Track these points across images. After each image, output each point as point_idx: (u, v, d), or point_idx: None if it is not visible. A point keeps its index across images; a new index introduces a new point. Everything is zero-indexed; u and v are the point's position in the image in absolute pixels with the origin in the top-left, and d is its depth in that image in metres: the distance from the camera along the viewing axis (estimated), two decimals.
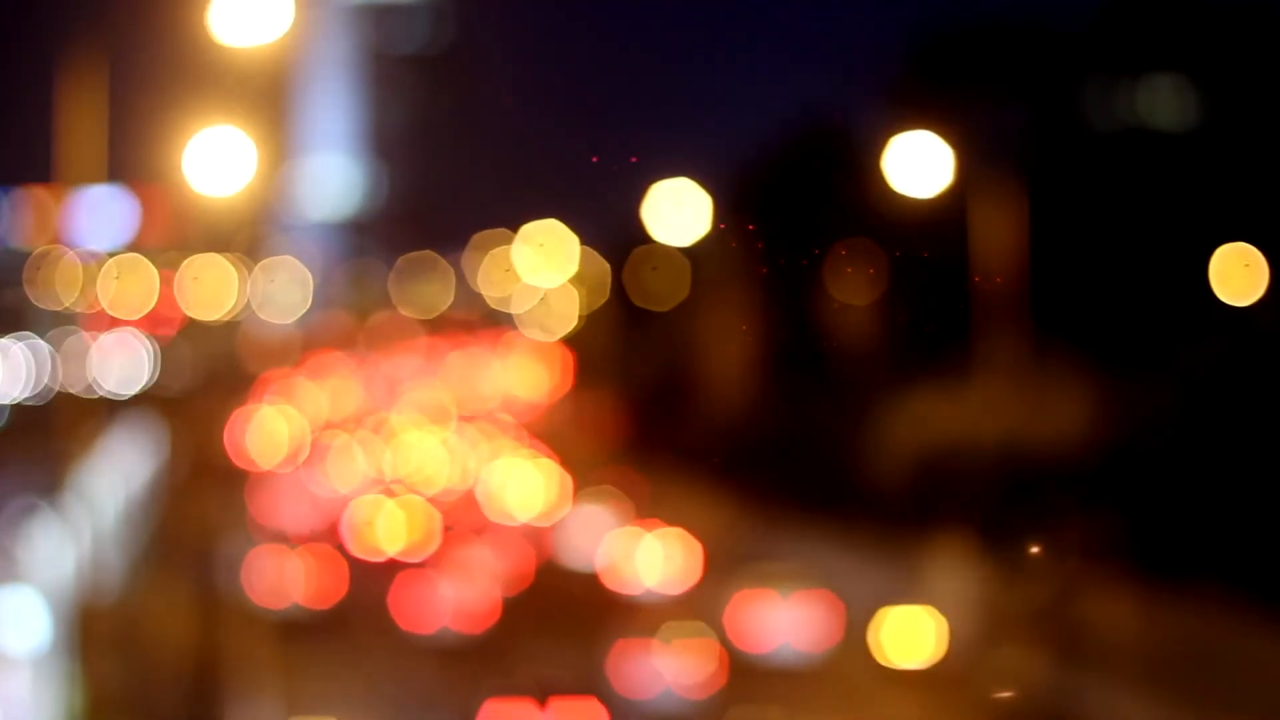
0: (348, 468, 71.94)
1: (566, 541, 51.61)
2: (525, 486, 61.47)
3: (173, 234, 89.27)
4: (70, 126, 25.11)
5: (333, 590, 45.77)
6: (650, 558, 47.78)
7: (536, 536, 51.88)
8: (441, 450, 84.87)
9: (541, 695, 31.67)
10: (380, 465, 75.61)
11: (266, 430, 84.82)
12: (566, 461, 70.77)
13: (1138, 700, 36.62)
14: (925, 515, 49.54)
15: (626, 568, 47.23)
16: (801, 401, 64.20)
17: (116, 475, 50.21)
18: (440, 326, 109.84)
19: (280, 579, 45.64)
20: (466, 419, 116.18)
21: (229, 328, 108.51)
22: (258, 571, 47.60)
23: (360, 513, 54.85)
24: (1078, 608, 40.26)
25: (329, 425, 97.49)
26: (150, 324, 61.44)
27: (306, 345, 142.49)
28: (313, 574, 46.74)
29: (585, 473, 66.57)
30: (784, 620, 38.42)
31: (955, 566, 46.99)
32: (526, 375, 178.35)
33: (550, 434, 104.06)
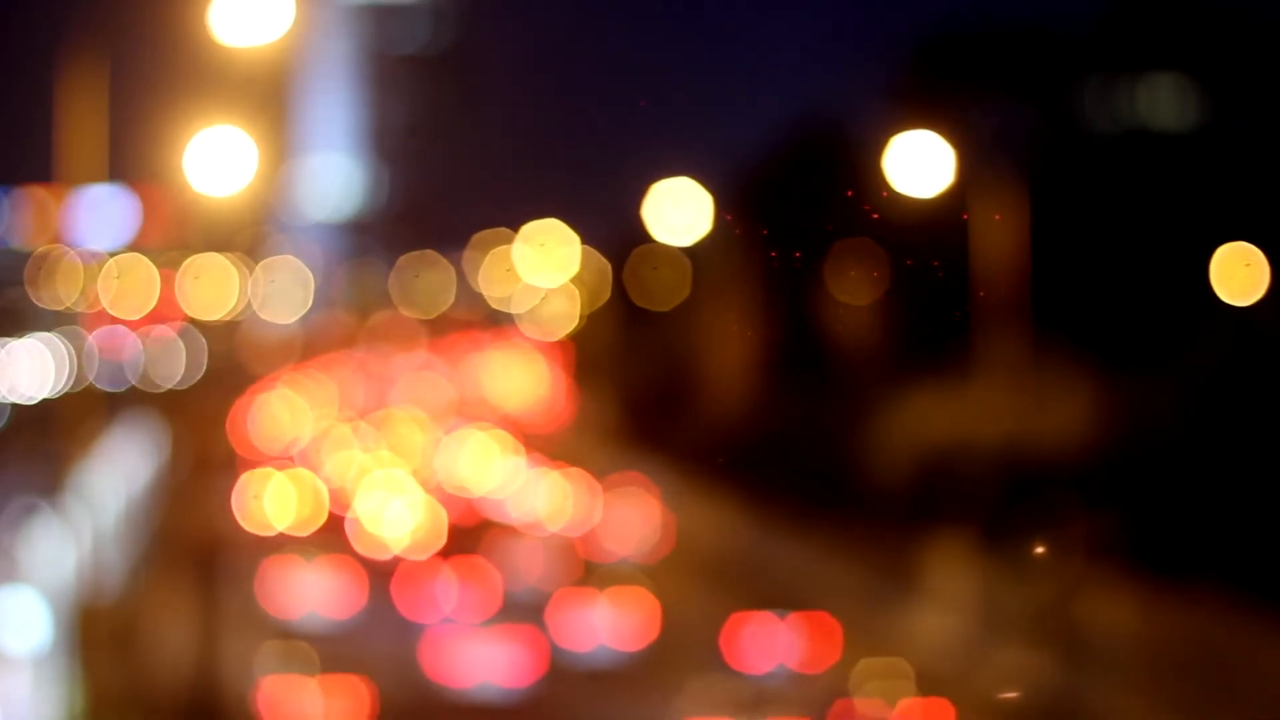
0: (345, 457, 76.74)
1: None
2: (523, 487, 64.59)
3: (174, 234, 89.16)
4: (71, 126, 25.10)
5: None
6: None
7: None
8: (440, 447, 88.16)
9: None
10: (376, 456, 79.90)
11: (271, 419, 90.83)
12: (568, 461, 72.88)
13: (1139, 700, 36.64)
14: (925, 515, 49.58)
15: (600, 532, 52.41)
16: (802, 401, 64.19)
17: (117, 475, 50.23)
18: (441, 326, 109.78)
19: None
20: (465, 417, 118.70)
21: (230, 327, 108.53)
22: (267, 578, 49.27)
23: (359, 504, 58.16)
24: (1079, 608, 40.29)
25: (331, 418, 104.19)
26: (150, 323, 61.65)
27: (307, 345, 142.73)
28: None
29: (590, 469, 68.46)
30: (781, 642, 38.68)
31: (956, 567, 47.04)
32: (526, 375, 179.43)
33: (552, 435, 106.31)
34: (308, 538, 53.11)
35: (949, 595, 47.43)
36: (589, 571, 48.05)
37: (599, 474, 63.82)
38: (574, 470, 66.86)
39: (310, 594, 45.64)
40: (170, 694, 37.97)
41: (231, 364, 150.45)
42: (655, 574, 48.88)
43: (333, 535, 53.95)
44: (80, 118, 25.10)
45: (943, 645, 45.45)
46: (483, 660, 37.86)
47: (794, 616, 39.87)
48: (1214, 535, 33.73)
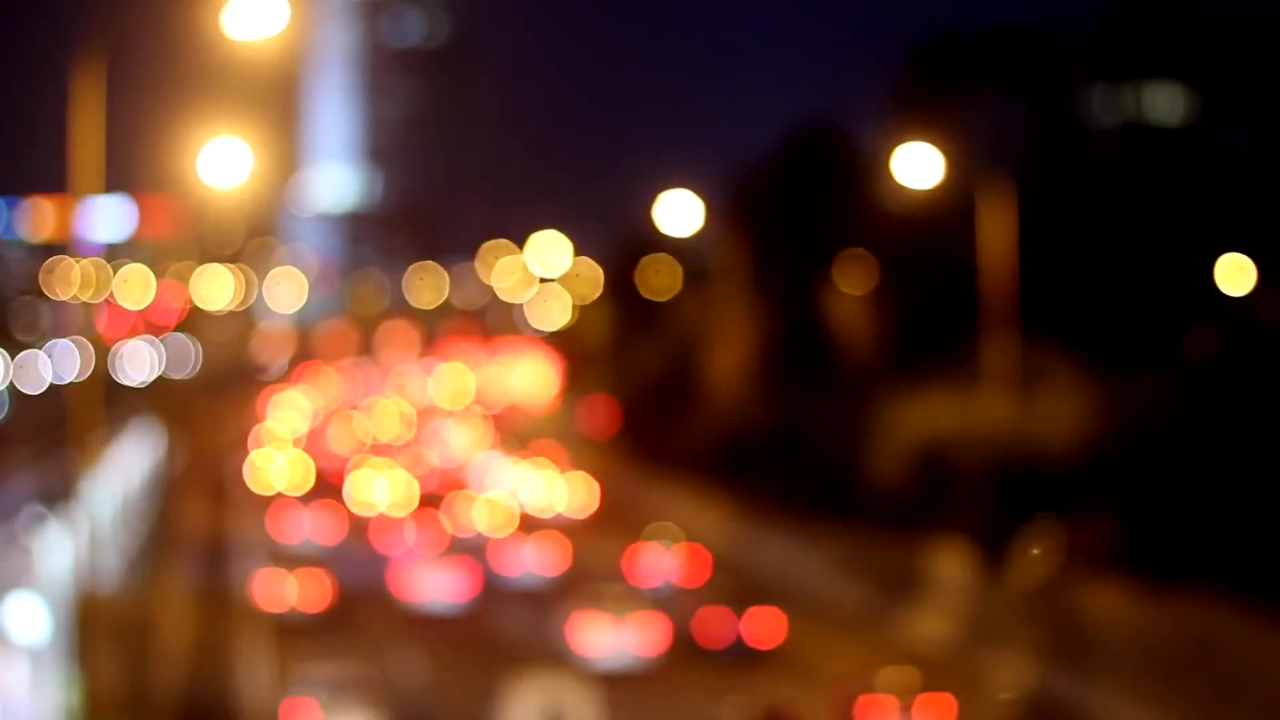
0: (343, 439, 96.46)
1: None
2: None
3: (182, 240, 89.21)
4: (78, 136, 25.22)
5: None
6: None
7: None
8: (427, 433, 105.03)
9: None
10: (372, 437, 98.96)
11: (279, 410, 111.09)
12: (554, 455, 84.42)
13: (1136, 699, 36.78)
14: (923, 515, 49.74)
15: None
16: (801, 401, 64.27)
17: (121, 471, 50.44)
18: (441, 329, 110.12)
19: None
20: (454, 409, 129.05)
21: (234, 328, 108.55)
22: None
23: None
24: (1076, 606, 40.43)
25: (336, 409, 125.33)
26: (158, 326, 62.68)
27: (314, 345, 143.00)
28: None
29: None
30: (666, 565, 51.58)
31: (953, 566, 47.17)
32: (520, 374, 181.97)
33: (531, 428, 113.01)
34: (305, 495, 68.87)
35: (946, 594, 47.61)
36: (526, 524, 61.22)
37: (558, 458, 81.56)
38: (537, 454, 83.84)
39: (307, 529, 60.62)
40: (170, 693, 38.22)
41: (240, 364, 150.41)
42: (583, 525, 65.52)
43: (329, 493, 70.51)
44: (88, 127, 25.22)
45: (937, 645, 45.62)
46: (433, 582, 48.58)
47: (677, 547, 52.80)
48: (1208, 533, 33.86)
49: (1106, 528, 40.88)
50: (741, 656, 41.70)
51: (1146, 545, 38.11)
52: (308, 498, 67.34)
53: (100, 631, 32.35)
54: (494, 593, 50.26)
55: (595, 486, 71.92)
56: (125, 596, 43.08)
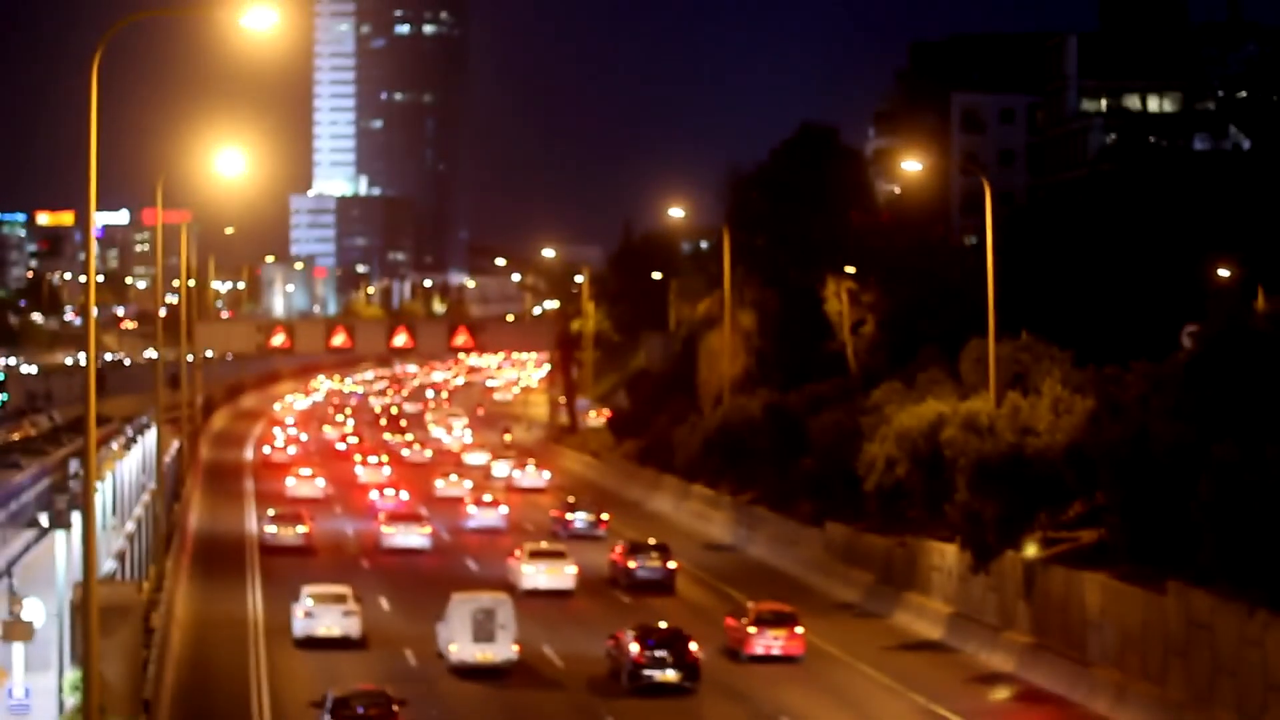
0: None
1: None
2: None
3: (187, 255, 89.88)
4: (85, 154, 25.76)
5: None
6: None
7: None
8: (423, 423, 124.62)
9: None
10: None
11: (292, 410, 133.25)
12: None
13: (1135, 695, 37.10)
14: (918, 515, 50.09)
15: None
16: (800, 400, 64.55)
17: (120, 475, 50.78)
18: (441, 334, 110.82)
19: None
20: (452, 408, 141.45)
21: (238, 334, 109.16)
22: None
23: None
24: (1074, 602, 40.74)
25: (338, 403, 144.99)
26: (164, 337, 63.10)
27: (315, 348, 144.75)
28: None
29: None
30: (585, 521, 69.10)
31: (949, 564, 47.52)
32: (517, 373, 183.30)
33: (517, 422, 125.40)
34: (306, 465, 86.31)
35: (941, 590, 47.95)
36: (489, 489, 79.51)
37: (530, 447, 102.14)
38: (513, 443, 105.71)
39: (305, 490, 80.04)
40: (170, 691, 38.64)
41: (243, 371, 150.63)
42: (536, 494, 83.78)
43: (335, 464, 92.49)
44: (93, 148, 25.80)
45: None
46: (406, 529, 63.81)
47: (593, 509, 69.48)
48: (1203, 527, 34.18)
49: (1107, 522, 41.18)
50: (641, 589, 54.78)
51: (1137, 537, 38.41)
52: (307, 465, 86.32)
53: (107, 625, 32.77)
54: (457, 532, 68.25)
55: (549, 469, 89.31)
56: (129, 594, 43.47)
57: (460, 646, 42.62)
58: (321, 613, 45.16)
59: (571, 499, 71.87)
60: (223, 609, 49.88)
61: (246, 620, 48.28)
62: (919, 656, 44.23)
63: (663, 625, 43.12)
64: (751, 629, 44.10)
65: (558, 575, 53.77)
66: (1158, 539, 37.83)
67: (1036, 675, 40.68)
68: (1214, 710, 34.20)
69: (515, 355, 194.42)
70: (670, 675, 40.55)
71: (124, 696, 31.49)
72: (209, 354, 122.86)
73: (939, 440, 46.64)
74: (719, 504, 70.52)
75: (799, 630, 43.96)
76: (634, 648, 40.91)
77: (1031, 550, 42.65)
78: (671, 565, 55.46)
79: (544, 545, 56.76)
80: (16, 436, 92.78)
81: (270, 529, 62.83)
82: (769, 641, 43.83)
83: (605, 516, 67.83)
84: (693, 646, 41.02)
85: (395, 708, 34.39)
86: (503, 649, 42.44)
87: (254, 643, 45.15)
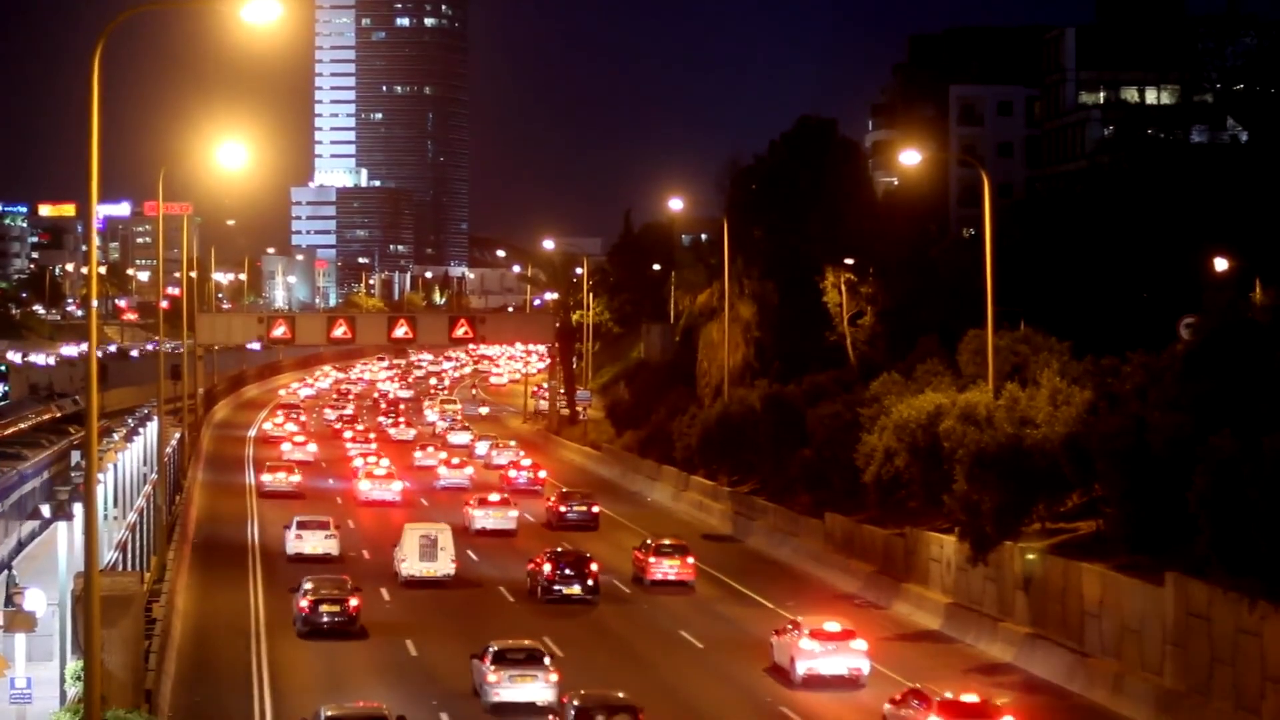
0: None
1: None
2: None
3: (188, 247, 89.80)
4: (87, 146, 25.86)
5: None
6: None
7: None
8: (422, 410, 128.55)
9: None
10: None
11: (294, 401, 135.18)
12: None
13: (1132, 685, 37.27)
14: (917, 506, 50.21)
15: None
16: (799, 392, 64.82)
17: (120, 472, 50.87)
18: (441, 325, 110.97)
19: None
20: (444, 395, 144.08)
21: (239, 325, 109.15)
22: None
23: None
24: (1072, 593, 40.88)
25: (339, 393, 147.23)
26: (166, 328, 63.09)
27: (316, 344, 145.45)
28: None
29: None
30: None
31: (948, 555, 47.65)
32: (512, 363, 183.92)
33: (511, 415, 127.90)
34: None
35: (940, 586, 48.13)
36: (459, 454, 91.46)
37: (527, 443, 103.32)
38: (520, 437, 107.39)
39: (298, 454, 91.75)
40: (170, 688, 38.77)
41: (244, 366, 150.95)
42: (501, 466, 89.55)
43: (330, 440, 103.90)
44: (95, 139, 25.86)
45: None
46: (383, 484, 76.10)
47: (533, 467, 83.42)
48: (1200, 518, 34.31)
49: (1107, 517, 41.30)
50: (570, 528, 66.72)
51: (1135, 528, 38.55)
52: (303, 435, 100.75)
53: (109, 618, 32.92)
54: (429, 492, 79.94)
55: (521, 448, 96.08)
56: (131, 591, 43.59)
57: (410, 564, 53.77)
58: (308, 535, 57.10)
59: (519, 458, 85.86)
60: (224, 599, 50.08)
61: (248, 610, 48.49)
62: (918, 646, 44.49)
63: (570, 549, 54.09)
64: (652, 559, 54.30)
65: (502, 518, 66.25)
66: (1156, 530, 38.02)
67: (1035, 665, 40.89)
68: (1211, 700, 34.41)
69: (525, 346, 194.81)
70: (575, 589, 50.98)
71: (126, 686, 31.61)
72: (216, 347, 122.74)
73: (937, 431, 46.89)
74: (718, 495, 70.79)
75: (690, 560, 54.33)
76: (547, 568, 51.47)
77: (1032, 556, 42.77)
78: (595, 509, 68.57)
79: (492, 496, 68.82)
80: (47, 418, 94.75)
81: (266, 477, 77.18)
82: (665, 569, 54.02)
83: (543, 472, 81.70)
84: (594, 568, 51.43)
85: None
86: (443, 566, 53.84)
87: (255, 634, 45.31)
